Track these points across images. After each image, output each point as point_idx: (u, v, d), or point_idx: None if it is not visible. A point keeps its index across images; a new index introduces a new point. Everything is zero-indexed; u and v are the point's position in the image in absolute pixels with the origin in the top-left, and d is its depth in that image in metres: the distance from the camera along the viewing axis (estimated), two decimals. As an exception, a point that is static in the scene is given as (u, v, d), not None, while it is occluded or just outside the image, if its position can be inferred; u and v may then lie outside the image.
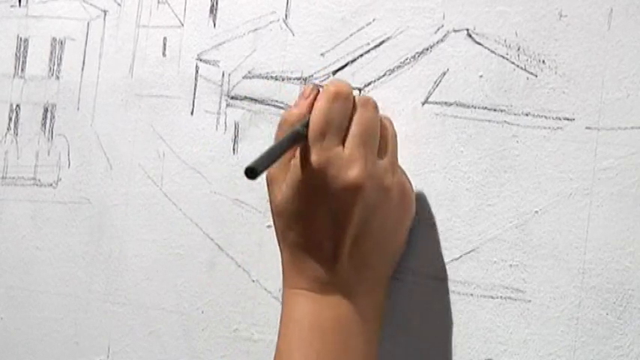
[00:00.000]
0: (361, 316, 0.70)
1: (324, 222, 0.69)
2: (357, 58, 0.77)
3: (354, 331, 0.70)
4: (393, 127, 0.73)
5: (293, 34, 0.80)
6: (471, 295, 0.71)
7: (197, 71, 0.85)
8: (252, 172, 0.64)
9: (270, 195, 0.73)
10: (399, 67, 0.75)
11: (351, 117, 0.70)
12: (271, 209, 0.73)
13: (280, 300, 0.78)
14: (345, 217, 0.68)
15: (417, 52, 0.74)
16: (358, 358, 0.69)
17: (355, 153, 0.69)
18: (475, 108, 0.71)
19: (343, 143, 0.69)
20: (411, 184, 0.73)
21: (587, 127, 0.67)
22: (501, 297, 0.69)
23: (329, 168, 0.68)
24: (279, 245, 0.73)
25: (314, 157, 0.68)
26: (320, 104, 0.70)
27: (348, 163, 0.68)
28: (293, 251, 0.71)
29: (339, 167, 0.68)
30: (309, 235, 0.70)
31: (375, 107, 0.71)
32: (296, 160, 0.70)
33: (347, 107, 0.70)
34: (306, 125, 0.69)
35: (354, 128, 0.70)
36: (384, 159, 0.71)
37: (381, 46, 0.76)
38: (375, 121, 0.71)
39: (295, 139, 0.69)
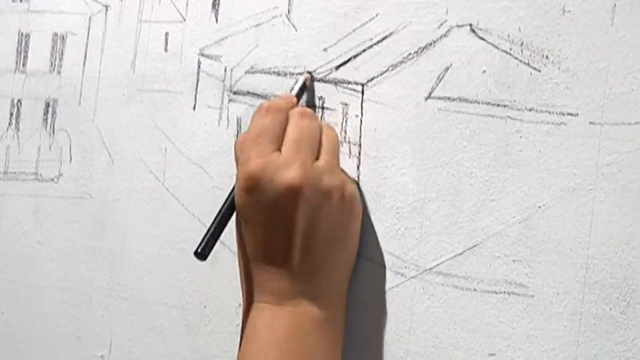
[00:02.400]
0: (318, 325, 0.71)
1: (271, 230, 0.70)
2: (360, 53, 0.76)
3: (310, 340, 0.70)
4: (334, 132, 0.75)
5: (296, 29, 0.80)
6: (474, 290, 0.71)
7: (199, 66, 0.85)
8: (200, 256, 0.71)
9: None
10: (402, 62, 0.75)
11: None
12: None
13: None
14: (289, 221, 0.69)
15: (420, 48, 0.74)
16: None
17: (291, 156, 0.70)
18: (478, 103, 0.71)
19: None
20: (357, 186, 0.74)
21: (590, 123, 0.67)
22: (504, 292, 0.70)
23: (265, 172, 0.69)
24: (238, 259, 0.75)
25: (249, 166, 0.70)
26: (254, 118, 0.73)
27: (284, 166, 0.69)
28: (247, 263, 0.73)
29: (274, 171, 0.69)
30: (260, 246, 0.71)
31: (312, 116, 0.74)
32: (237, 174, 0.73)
33: (280, 118, 0.72)
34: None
35: (288, 135, 0.72)
36: (321, 162, 0.72)
37: (384, 42, 0.76)
38: (311, 127, 0.73)
39: (229, 209, 0.73)
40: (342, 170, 0.74)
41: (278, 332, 0.70)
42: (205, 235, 0.72)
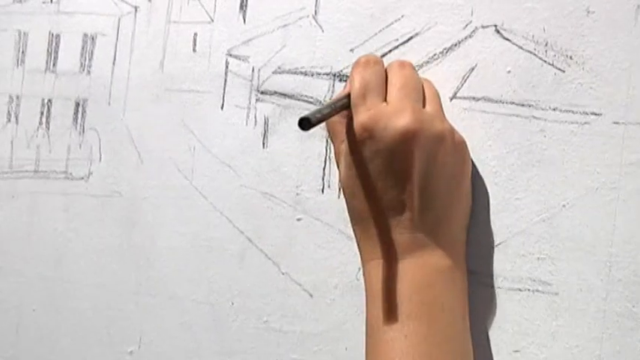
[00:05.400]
0: (443, 275, 0.69)
1: (389, 180, 0.68)
2: (386, 53, 0.77)
3: (437, 289, 0.68)
4: (432, 84, 0.74)
5: (322, 30, 0.81)
6: (499, 287, 0.71)
7: (227, 66, 0.86)
8: (305, 122, 0.65)
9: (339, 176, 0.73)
10: (427, 62, 0.75)
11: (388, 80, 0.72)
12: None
13: (310, 293, 0.80)
14: (406, 169, 0.68)
15: (445, 48, 0.75)
16: (448, 312, 0.68)
17: (400, 104, 0.69)
18: (503, 103, 0.72)
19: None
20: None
21: (614, 122, 0.68)
22: (529, 290, 0.70)
23: (378, 123, 0.68)
24: (351, 223, 0.72)
25: (361, 118, 0.69)
26: (353, 73, 0.71)
27: (395, 114, 0.68)
28: (365, 223, 0.70)
29: (387, 120, 0.68)
30: (378, 201, 0.69)
31: (412, 66, 0.73)
32: (345, 133, 0.71)
33: (380, 70, 0.71)
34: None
35: (393, 84, 0.71)
36: (429, 108, 0.71)
37: (410, 42, 0.76)
38: (414, 76, 0.72)
39: (344, 102, 0.70)
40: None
41: (404, 283, 0.68)
42: (318, 109, 0.67)
